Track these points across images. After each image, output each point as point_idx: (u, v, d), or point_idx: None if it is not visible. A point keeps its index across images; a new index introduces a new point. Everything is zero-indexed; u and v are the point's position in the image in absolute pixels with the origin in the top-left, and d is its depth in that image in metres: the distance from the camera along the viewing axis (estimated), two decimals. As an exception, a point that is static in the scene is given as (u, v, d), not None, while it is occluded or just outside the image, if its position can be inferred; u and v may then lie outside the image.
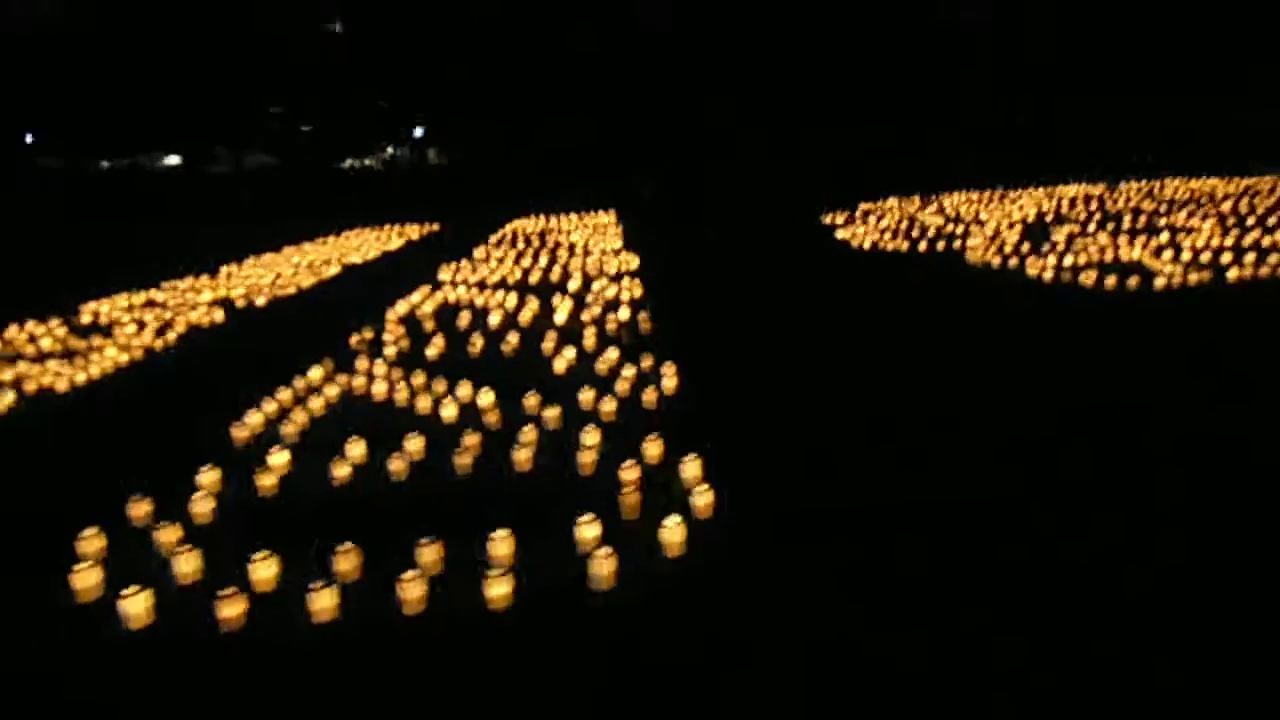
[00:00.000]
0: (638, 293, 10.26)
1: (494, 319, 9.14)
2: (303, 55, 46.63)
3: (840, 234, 15.56)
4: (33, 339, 9.13)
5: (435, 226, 22.66)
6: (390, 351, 7.83)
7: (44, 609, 3.65)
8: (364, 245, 18.10)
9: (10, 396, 6.80)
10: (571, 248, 15.21)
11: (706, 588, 3.56)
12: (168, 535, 4.13)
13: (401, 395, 6.34)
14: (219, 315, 10.35)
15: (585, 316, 9.04)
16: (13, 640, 3.47)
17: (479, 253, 15.21)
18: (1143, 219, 14.60)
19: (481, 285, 11.66)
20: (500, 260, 14.00)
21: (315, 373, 7.02)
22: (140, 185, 45.63)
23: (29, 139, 47.54)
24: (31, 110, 43.24)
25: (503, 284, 11.78)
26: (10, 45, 39.88)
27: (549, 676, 3.06)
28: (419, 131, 49.33)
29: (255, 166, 50.91)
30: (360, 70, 46.63)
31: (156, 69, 41.42)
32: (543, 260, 13.57)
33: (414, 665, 3.17)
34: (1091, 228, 13.95)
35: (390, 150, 59.11)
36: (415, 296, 10.70)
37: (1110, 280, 9.35)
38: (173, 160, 59.19)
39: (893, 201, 20.99)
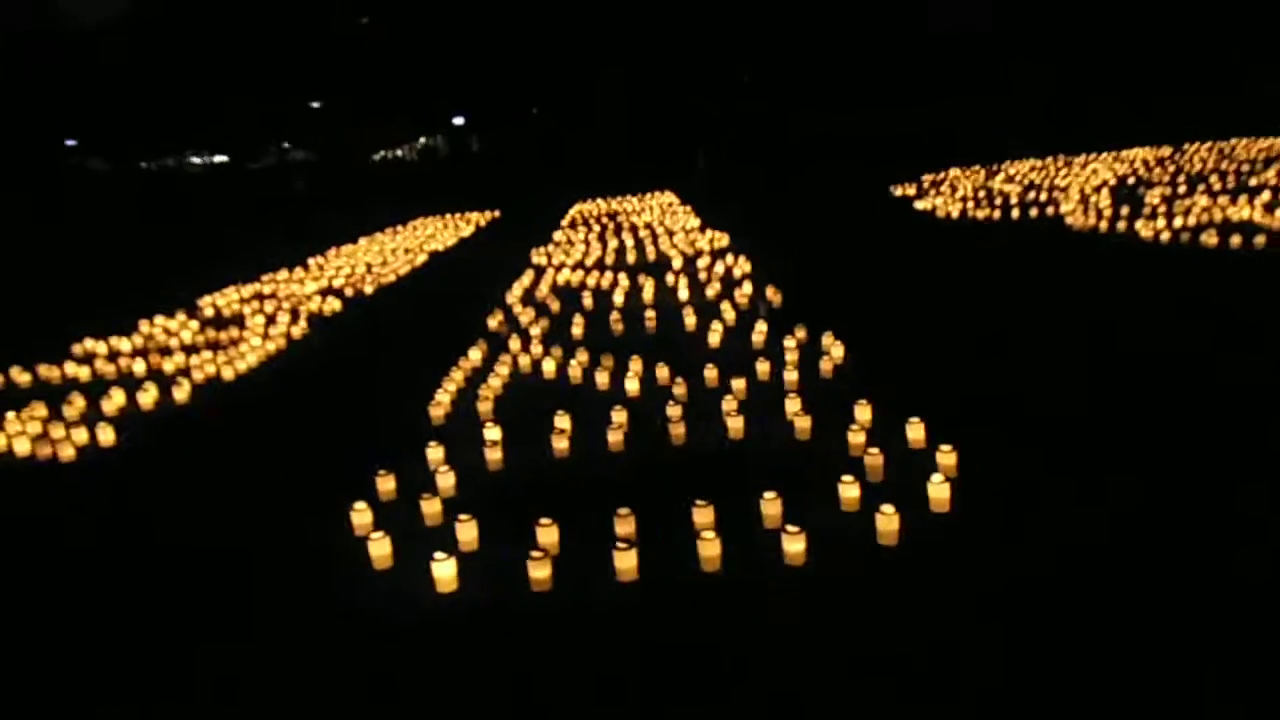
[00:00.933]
0: (747, 268, 10.31)
1: (618, 298, 9.23)
2: (337, 48, 46.72)
3: (920, 204, 15.51)
4: (169, 333, 9.36)
5: (496, 213, 22.83)
6: (535, 332, 7.96)
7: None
8: (436, 233, 18.28)
9: (187, 386, 7.00)
10: (649, 227, 15.28)
11: (979, 539, 3.66)
12: (431, 506, 4.27)
13: (575, 372, 6.47)
14: (336, 304, 10.53)
15: (710, 292, 9.12)
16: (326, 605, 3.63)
17: (558, 235, 15.31)
18: (1230, 179, 14.42)
19: (582, 266, 11.76)
20: (586, 242, 14.10)
21: (474, 353, 7.17)
22: (185, 185, 46.36)
23: (71, 143, 48.27)
24: (77, 111, 43.65)
25: (600, 264, 11.88)
26: (57, 45, 40.30)
27: (849, 623, 3.17)
28: (459, 120, 49.42)
29: (293, 161, 51.49)
30: (395, 60, 46.60)
31: (204, 67, 41.70)
32: (628, 240, 13.65)
33: (715, 620, 3.28)
34: (1182, 189, 13.79)
35: (423, 140, 59.48)
36: (525, 279, 10.82)
37: (1235, 239, 9.27)
38: (218, 159, 59.98)
39: (955, 172, 20.87)
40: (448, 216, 21.90)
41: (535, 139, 41.76)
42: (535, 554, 3.58)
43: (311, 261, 14.74)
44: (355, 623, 3.47)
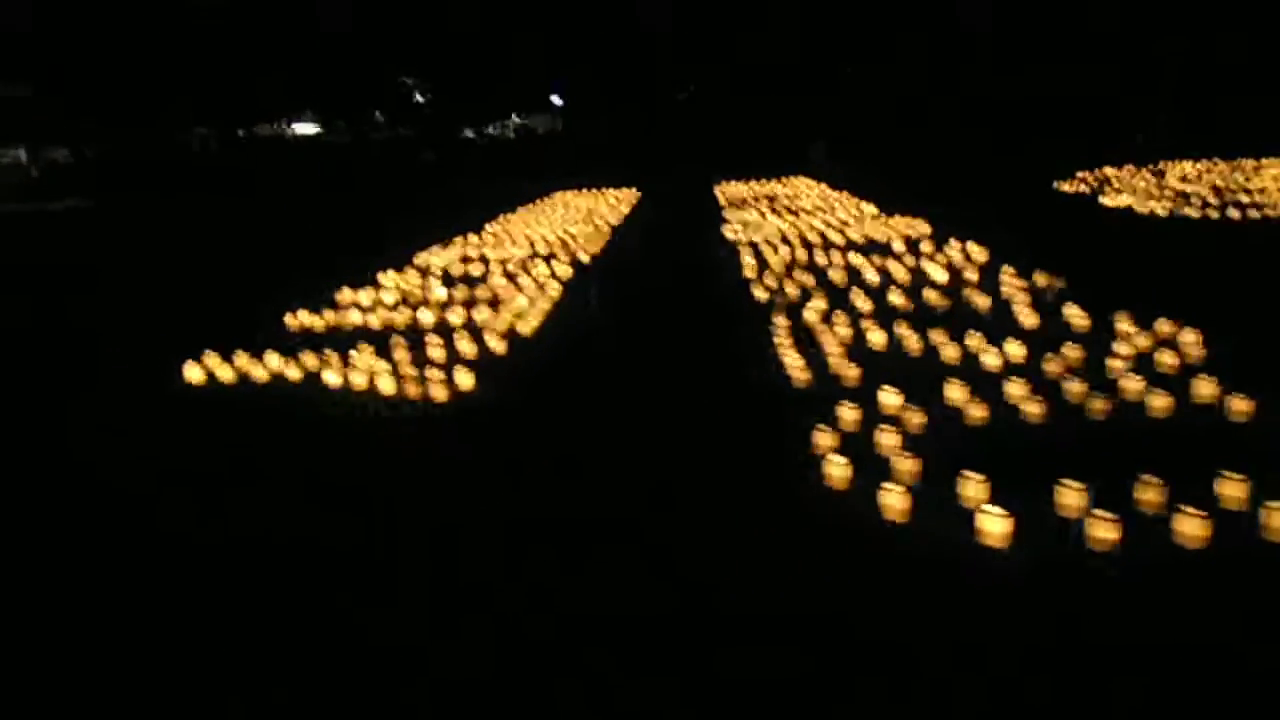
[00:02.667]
0: (982, 253, 10.15)
1: (901, 274, 9.18)
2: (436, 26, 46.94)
3: (1107, 201, 15.17)
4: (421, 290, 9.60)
5: (634, 190, 22.83)
6: (862, 304, 7.94)
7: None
8: (589, 207, 18.35)
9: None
10: (819, 210, 15.19)
11: None
12: (888, 439, 4.39)
13: (914, 344, 6.47)
14: (568, 270, 10.66)
15: (971, 275, 9.03)
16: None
17: (744, 214, 15.29)
18: None
19: (806, 243, 11.64)
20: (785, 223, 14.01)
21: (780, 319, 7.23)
22: (284, 152, 47.38)
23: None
24: (187, 78, 44.63)
25: (825, 242, 11.75)
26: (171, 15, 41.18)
27: None
28: (558, 100, 49.76)
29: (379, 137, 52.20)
30: (498, 41, 46.75)
31: (303, 38, 42.45)
32: (816, 222, 13.55)
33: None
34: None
35: (515, 119, 59.92)
36: (774, 256, 10.71)
37: None
38: (308, 129, 61.14)
39: (1111, 170, 20.32)
40: (585, 191, 21.97)
41: (642, 122, 41.58)
42: (1101, 515, 3.58)
43: (492, 227, 15.00)
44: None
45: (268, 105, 48.48)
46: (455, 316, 8.32)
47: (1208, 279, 8.79)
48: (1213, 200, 14.02)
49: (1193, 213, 13.12)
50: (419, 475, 4.80)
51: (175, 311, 10.21)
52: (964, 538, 3.68)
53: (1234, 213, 12.73)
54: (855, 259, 10.14)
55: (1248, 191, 14.79)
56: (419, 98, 53.32)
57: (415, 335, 7.59)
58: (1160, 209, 13.69)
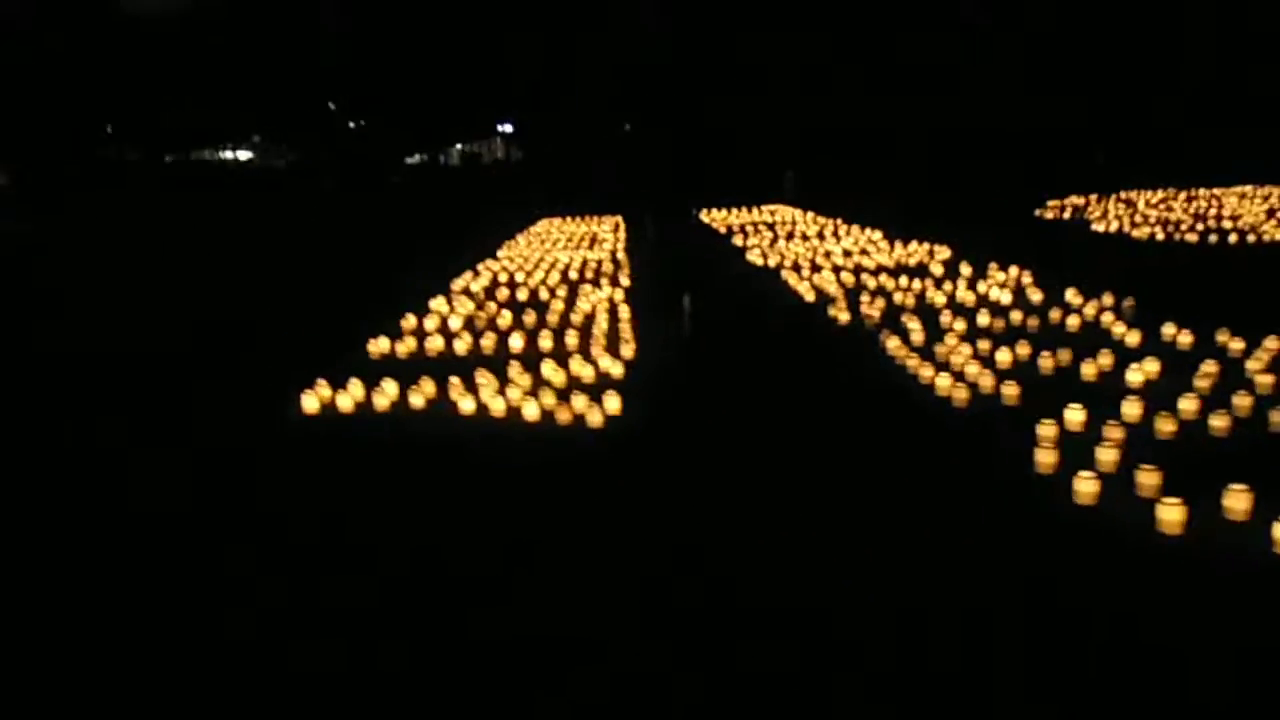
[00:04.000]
0: (1023, 275, 10.45)
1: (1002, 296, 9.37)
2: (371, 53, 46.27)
3: (1098, 226, 15.88)
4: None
5: (616, 218, 22.81)
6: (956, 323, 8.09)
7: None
8: (586, 233, 18.28)
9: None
10: (820, 236, 15.53)
11: None
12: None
13: (1048, 363, 6.61)
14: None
15: (1035, 296, 9.29)
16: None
17: (753, 239, 15.48)
18: None
19: (862, 269, 11.81)
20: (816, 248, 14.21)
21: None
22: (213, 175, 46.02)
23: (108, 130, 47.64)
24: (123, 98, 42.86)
25: (875, 268, 11.91)
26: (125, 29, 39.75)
27: None
28: (508, 128, 49.55)
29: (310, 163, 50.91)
30: (445, 67, 46.34)
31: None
32: (837, 248, 13.81)
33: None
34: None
35: (459, 147, 59.40)
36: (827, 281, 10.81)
37: None
38: (243, 155, 59.65)
39: (1076, 198, 21.25)
40: (573, 219, 21.85)
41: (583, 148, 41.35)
42: None
43: (506, 252, 14.85)
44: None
45: (206, 129, 46.99)
46: (545, 341, 8.15)
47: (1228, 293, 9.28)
48: (1198, 226, 14.82)
49: (1192, 237, 13.83)
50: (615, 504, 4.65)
51: (249, 339, 9.76)
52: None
53: (1214, 238, 13.52)
54: (901, 281, 10.34)
55: (1219, 217, 15.69)
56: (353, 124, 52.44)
57: (499, 361, 7.39)
58: (1155, 233, 14.39)
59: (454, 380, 6.57)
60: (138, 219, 27.25)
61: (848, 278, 11.01)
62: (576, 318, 9.31)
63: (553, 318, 9.32)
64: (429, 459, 5.48)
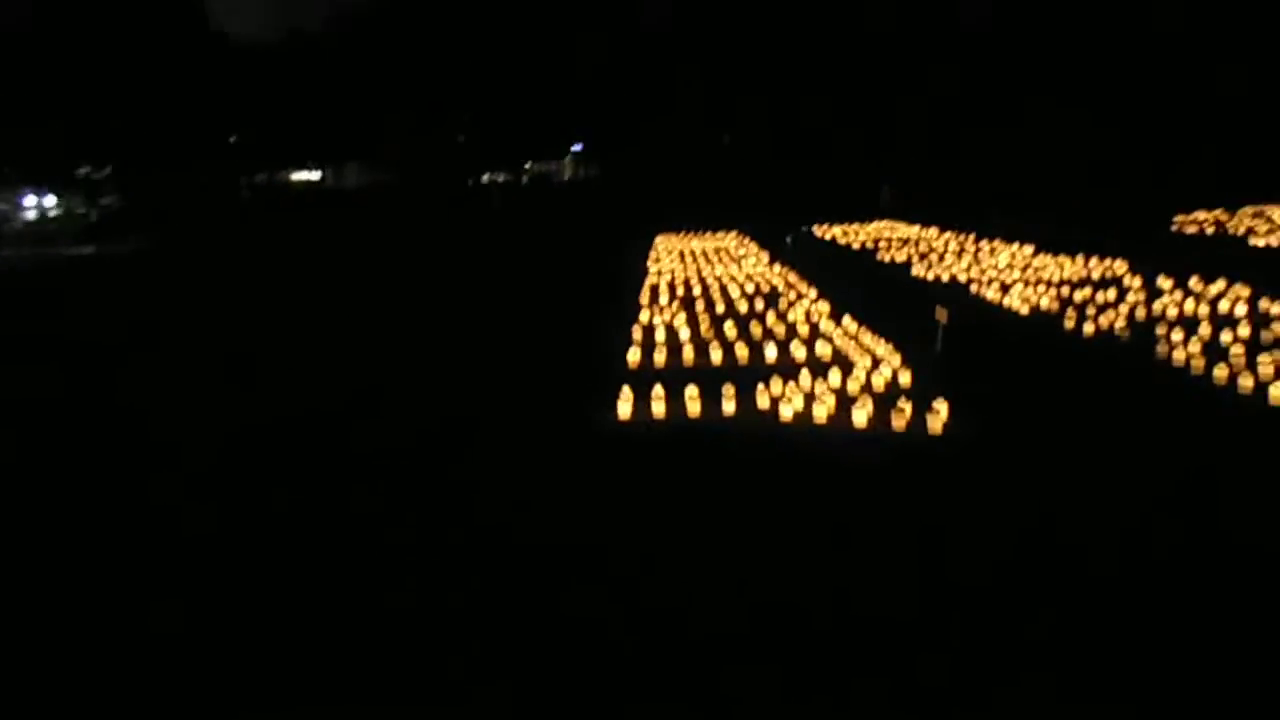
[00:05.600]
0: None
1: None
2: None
3: (1259, 241, 15.62)
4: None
5: (733, 234, 22.85)
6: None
7: None
8: (714, 249, 18.38)
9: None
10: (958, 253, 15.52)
11: None
12: None
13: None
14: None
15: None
16: None
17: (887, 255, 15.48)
18: None
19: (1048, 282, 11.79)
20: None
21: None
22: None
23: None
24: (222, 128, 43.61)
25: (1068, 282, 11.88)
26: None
27: None
28: (578, 146, 50.19)
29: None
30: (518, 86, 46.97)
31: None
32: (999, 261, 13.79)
33: None
34: None
35: (529, 165, 60.13)
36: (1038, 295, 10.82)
37: None
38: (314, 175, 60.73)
39: (1204, 214, 20.89)
40: (687, 234, 21.95)
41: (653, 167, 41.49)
42: None
43: (654, 266, 14.98)
44: None
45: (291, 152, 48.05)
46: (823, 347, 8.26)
47: None
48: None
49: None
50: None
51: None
52: None
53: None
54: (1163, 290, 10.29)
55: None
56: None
57: (793, 368, 7.50)
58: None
59: (762, 388, 6.68)
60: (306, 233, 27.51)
61: (1043, 291, 11.00)
62: (804, 330, 9.37)
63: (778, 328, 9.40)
64: (760, 460, 5.62)
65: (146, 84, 35.31)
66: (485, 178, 58.04)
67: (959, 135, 34.77)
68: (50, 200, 31.85)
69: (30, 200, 31.66)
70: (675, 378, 7.45)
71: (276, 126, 41.28)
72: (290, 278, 18.61)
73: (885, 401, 6.29)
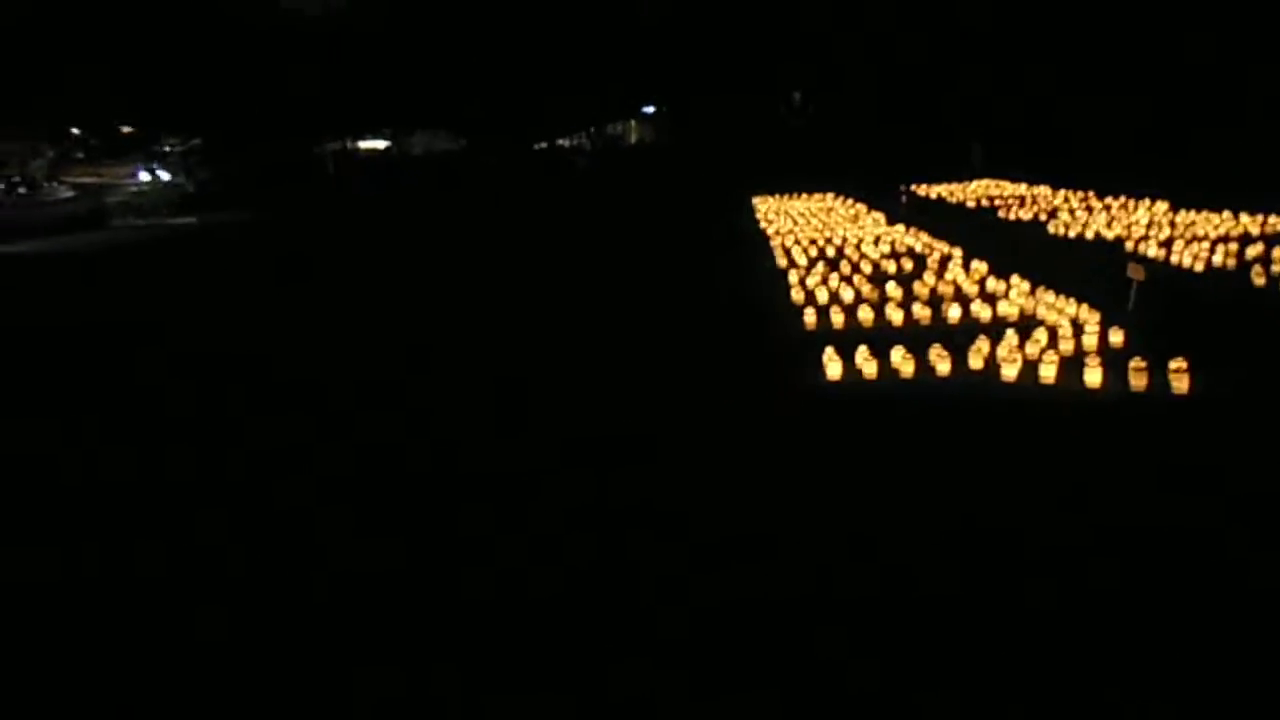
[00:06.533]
0: None
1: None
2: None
3: None
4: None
5: (833, 195, 22.41)
6: None
7: None
8: (827, 209, 18.03)
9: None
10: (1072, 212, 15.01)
11: None
12: None
13: None
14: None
15: None
16: None
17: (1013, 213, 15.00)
18: None
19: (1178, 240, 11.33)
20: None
21: None
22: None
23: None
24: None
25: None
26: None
27: None
28: (649, 108, 49.67)
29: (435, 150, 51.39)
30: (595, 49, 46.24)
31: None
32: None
33: None
34: None
35: (591, 129, 59.73)
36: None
37: None
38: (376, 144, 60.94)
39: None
40: (786, 196, 21.62)
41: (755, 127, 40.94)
42: None
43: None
44: None
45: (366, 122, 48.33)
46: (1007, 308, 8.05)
47: None
48: None
49: None
50: None
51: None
52: None
53: None
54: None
55: None
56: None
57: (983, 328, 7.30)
58: None
59: (976, 346, 6.50)
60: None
61: (1207, 247, 10.52)
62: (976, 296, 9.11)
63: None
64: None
65: (227, 63, 35.78)
66: (566, 142, 57.67)
67: (1054, 102, 33.19)
68: (165, 175, 32.70)
69: (144, 176, 32.54)
70: (856, 339, 7.30)
71: (349, 95, 41.49)
72: (412, 241, 18.80)
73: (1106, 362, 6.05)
